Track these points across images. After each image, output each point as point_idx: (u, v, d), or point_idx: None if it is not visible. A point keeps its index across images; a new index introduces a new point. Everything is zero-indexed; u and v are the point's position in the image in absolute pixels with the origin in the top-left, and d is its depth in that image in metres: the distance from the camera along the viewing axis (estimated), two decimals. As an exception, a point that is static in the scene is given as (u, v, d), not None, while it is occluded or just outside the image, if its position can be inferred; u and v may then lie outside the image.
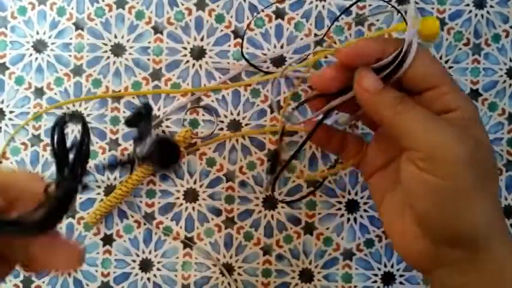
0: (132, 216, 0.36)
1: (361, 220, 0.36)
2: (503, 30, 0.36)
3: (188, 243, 0.36)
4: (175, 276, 0.36)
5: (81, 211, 0.36)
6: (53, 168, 0.36)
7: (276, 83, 0.36)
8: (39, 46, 0.36)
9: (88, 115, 0.36)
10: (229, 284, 0.36)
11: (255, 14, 0.36)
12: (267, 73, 0.36)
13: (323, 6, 0.36)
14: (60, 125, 0.18)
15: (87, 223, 0.36)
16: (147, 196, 0.36)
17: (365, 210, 0.36)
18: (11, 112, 0.36)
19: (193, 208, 0.36)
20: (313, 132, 0.26)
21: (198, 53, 0.36)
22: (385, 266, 0.36)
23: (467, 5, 0.36)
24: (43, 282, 0.36)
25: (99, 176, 0.36)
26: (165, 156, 0.28)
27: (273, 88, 0.36)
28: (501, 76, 0.36)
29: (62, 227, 0.36)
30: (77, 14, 0.36)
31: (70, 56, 0.36)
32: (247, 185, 0.36)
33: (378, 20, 0.36)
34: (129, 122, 0.26)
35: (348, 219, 0.36)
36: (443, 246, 0.24)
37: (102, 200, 0.36)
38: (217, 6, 0.36)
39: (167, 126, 0.36)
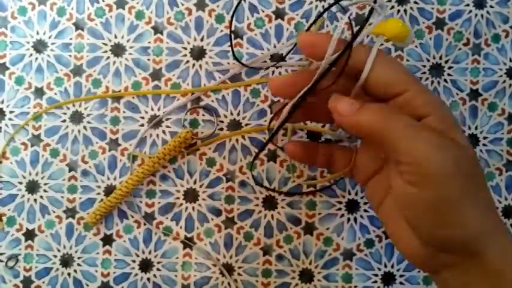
0: (132, 217, 0.36)
1: (361, 220, 0.36)
2: (503, 30, 0.36)
3: (188, 243, 0.36)
4: (175, 276, 0.36)
5: (81, 211, 0.36)
6: (53, 169, 0.36)
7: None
8: (39, 46, 0.36)
9: (88, 115, 0.36)
10: (229, 284, 0.36)
11: (255, 14, 0.36)
12: (262, 69, 0.36)
13: (323, 7, 0.36)
14: None
15: (87, 223, 0.36)
16: (147, 196, 0.36)
17: (365, 210, 0.36)
18: (11, 112, 0.36)
19: (193, 208, 0.36)
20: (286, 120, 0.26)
21: (198, 53, 0.36)
22: (385, 266, 0.36)
23: (467, 5, 0.36)
24: (43, 282, 0.36)
25: (99, 176, 0.36)
26: None
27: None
28: (501, 76, 0.36)
29: (62, 227, 0.36)
30: (77, 14, 0.36)
31: (70, 56, 0.36)
32: (247, 185, 0.36)
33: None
34: None
35: (348, 219, 0.36)
36: (438, 252, 0.24)
37: (102, 200, 0.36)
38: (217, 6, 0.36)
39: (167, 126, 0.36)
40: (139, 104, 0.36)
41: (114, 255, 0.36)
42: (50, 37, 0.36)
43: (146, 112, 0.36)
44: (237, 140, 0.36)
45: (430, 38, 0.36)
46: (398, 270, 0.36)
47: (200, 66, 0.36)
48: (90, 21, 0.36)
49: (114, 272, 0.36)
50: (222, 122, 0.36)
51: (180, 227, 0.36)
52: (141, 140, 0.36)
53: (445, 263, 0.24)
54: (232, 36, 0.36)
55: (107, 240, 0.36)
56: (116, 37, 0.36)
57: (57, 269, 0.36)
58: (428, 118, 0.24)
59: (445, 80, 0.36)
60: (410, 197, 0.23)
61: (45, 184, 0.36)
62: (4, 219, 0.36)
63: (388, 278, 0.36)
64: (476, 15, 0.36)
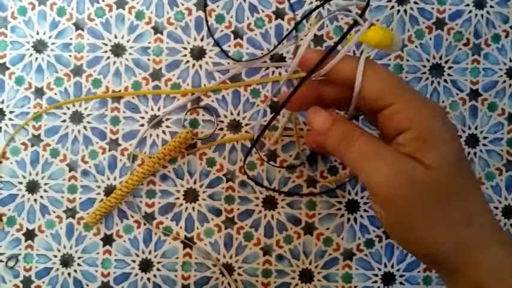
0: (132, 217, 0.36)
1: (361, 220, 0.36)
2: (503, 30, 0.36)
3: (188, 243, 0.36)
4: (175, 276, 0.36)
5: (81, 211, 0.36)
6: (53, 169, 0.36)
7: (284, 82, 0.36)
8: (39, 46, 0.36)
9: (88, 115, 0.36)
10: (229, 284, 0.36)
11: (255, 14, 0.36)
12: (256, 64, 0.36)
13: (323, 7, 0.36)
14: None
15: (87, 223, 0.36)
16: (147, 196, 0.36)
17: (365, 210, 0.36)
18: (11, 112, 0.36)
19: (193, 208, 0.36)
20: (286, 102, 0.26)
21: (198, 53, 0.36)
22: (385, 266, 0.36)
23: (467, 5, 0.36)
24: (43, 282, 0.36)
25: (99, 176, 0.36)
26: None
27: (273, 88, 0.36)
28: (501, 76, 0.36)
29: (62, 227, 0.36)
30: (77, 14, 0.36)
31: (70, 56, 0.36)
32: (247, 185, 0.36)
33: (377, 20, 0.36)
34: None
35: (348, 219, 0.36)
36: (426, 264, 0.26)
37: (102, 200, 0.36)
38: (217, 6, 0.36)
39: (167, 126, 0.36)
40: (140, 104, 0.36)
41: (114, 255, 0.36)
42: (50, 37, 0.36)
43: (146, 112, 0.36)
44: (237, 140, 0.36)
45: (430, 38, 0.36)
46: (398, 270, 0.36)
47: (200, 66, 0.36)
48: (90, 21, 0.36)
49: (114, 272, 0.36)
50: (222, 122, 0.36)
51: (180, 227, 0.36)
52: (141, 140, 0.36)
53: (439, 273, 0.26)
54: (232, 36, 0.36)
55: (107, 240, 0.36)
56: (116, 37, 0.36)
57: (57, 269, 0.36)
58: (406, 133, 0.24)
59: (445, 80, 0.36)
60: (382, 219, 0.25)
61: (45, 184, 0.36)
62: (4, 219, 0.36)
63: (388, 278, 0.36)
64: (476, 15, 0.36)
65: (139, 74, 0.36)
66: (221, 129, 0.36)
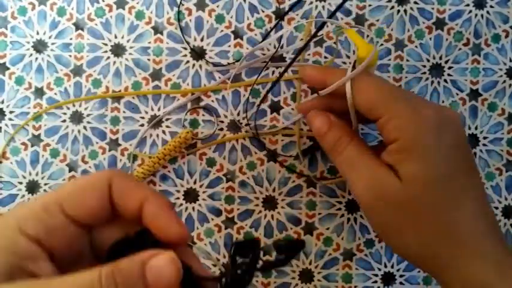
0: (132, 216, 0.36)
1: (361, 220, 0.36)
2: (503, 31, 0.36)
3: (188, 243, 0.36)
4: (175, 276, 0.36)
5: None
6: (53, 169, 0.36)
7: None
8: (39, 46, 0.36)
9: (88, 115, 0.36)
10: (229, 284, 0.36)
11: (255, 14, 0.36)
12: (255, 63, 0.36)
13: (323, 7, 0.36)
14: (235, 251, 0.20)
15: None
16: (147, 196, 0.36)
17: (365, 210, 0.36)
18: (11, 112, 0.36)
19: (193, 208, 0.36)
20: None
21: (198, 53, 0.36)
22: (385, 266, 0.36)
23: (467, 5, 0.36)
24: (43, 282, 0.36)
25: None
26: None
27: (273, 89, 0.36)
28: (501, 76, 0.36)
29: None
30: (77, 14, 0.36)
31: (70, 56, 0.36)
32: (247, 185, 0.36)
33: (377, 20, 0.36)
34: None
35: (348, 219, 0.36)
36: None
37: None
38: (217, 6, 0.36)
39: (167, 126, 0.36)
40: (140, 104, 0.36)
41: (114, 255, 0.36)
42: (50, 37, 0.36)
43: (146, 112, 0.36)
44: (237, 140, 0.36)
45: (430, 38, 0.36)
46: (398, 270, 0.36)
47: (200, 66, 0.36)
48: (90, 21, 0.36)
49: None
50: (222, 122, 0.36)
51: (180, 227, 0.36)
52: (141, 140, 0.36)
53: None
54: (232, 36, 0.36)
55: (107, 240, 0.36)
56: (116, 37, 0.36)
57: (57, 269, 0.36)
58: (394, 143, 0.24)
59: (445, 80, 0.36)
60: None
61: (46, 184, 0.36)
62: (4, 219, 0.36)
63: (388, 278, 0.36)
64: (476, 15, 0.36)
65: (140, 74, 0.36)
66: (221, 129, 0.36)
